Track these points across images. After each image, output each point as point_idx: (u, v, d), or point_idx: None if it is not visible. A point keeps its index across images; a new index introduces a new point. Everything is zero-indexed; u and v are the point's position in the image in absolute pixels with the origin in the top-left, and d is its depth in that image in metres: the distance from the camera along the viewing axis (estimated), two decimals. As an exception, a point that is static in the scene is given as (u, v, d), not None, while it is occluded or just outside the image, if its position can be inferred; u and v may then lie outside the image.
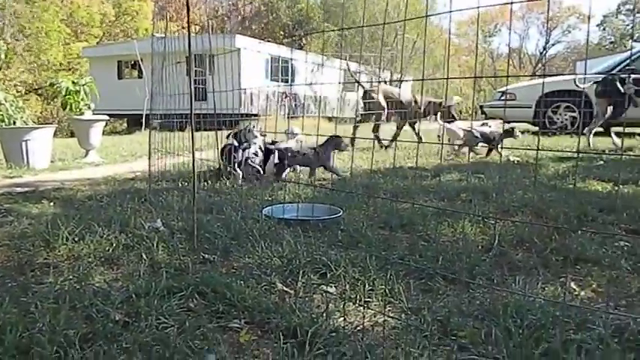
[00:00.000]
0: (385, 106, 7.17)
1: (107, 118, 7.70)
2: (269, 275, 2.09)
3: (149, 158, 4.21)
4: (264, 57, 19.80)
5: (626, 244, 2.52)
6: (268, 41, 21.08)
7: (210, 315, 1.74)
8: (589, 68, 12.08)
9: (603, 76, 8.18)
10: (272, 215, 3.04)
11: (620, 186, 4.03)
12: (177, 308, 1.76)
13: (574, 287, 2.05)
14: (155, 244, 2.45)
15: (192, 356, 1.45)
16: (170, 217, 3.07)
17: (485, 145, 6.21)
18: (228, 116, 5.58)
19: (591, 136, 7.09)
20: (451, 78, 3.50)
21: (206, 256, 2.35)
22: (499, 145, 6.04)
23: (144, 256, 2.32)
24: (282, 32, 32.15)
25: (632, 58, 9.29)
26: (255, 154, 4.76)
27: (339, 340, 1.54)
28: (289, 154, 4.64)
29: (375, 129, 7.33)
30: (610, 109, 6.99)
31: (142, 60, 16.51)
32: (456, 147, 6.26)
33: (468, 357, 1.47)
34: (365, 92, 7.38)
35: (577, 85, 7.88)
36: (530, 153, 5.96)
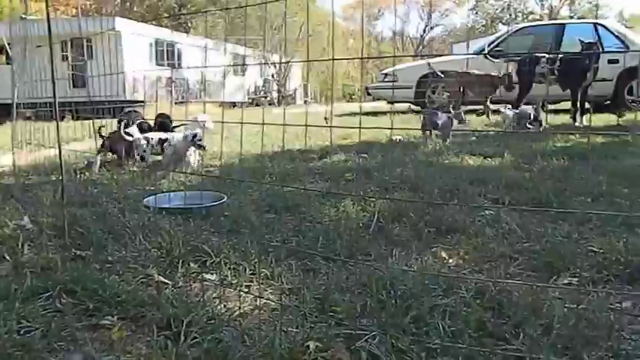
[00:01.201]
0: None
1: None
2: (146, 267, 2.02)
3: (12, 152, 3.88)
4: (148, 40, 18.95)
5: (491, 212, 2.72)
6: (152, 24, 20.12)
7: (79, 314, 1.65)
8: (464, 49, 12.87)
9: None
10: (153, 205, 2.93)
11: (488, 159, 4.36)
12: (43, 310, 1.64)
13: (444, 256, 2.19)
14: (20, 244, 2.27)
15: (55, 359, 1.37)
16: (40, 213, 2.85)
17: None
18: (111, 103, 5.30)
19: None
20: (337, 59, 3.55)
21: (78, 252, 2.21)
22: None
23: (6, 257, 2.14)
24: (166, 14, 30.86)
25: (500, 39, 10.01)
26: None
27: (217, 327, 1.52)
28: (434, 120, 5.69)
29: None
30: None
31: (9, 44, 15.11)
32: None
33: (343, 331, 1.51)
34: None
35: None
36: (411, 132, 6.22)
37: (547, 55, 7.67)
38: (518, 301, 1.67)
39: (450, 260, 2.13)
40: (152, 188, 3.61)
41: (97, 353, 1.40)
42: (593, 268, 1.96)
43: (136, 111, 5.09)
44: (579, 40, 7.24)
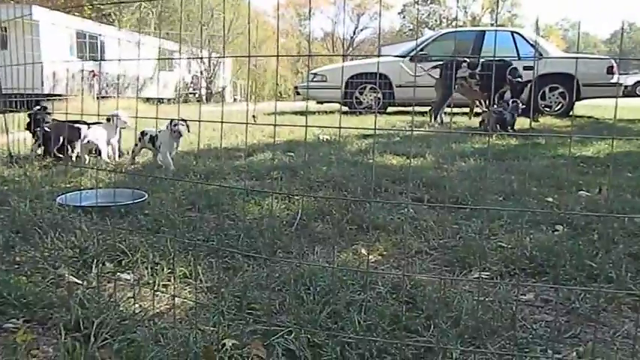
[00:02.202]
0: None
1: None
2: (57, 268, 1.93)
3: None
4: (69, 32, 18.07)
5: (411, 210, 2.81)
6: (74, 14, 19.20)
7: (-20, 318, 1.55)
8: (393, 51, 13.18)
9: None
10: (68, 203, 2.80)
11: (411, 159, 4.50)
12: (-61, 317, 1.54)
13: (364, 252, 2.24)
14: None
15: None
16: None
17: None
18: (26, 97, 4.99)
19: (442, 114, 7.85)
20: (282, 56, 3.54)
21: (-18, 253, 2.08)
22: None
23: None
24: (89, 5, 29.51)
25: (425, 43, 10.34)
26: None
27: (130, 327, 1.48)
28: (499, 114, 6.40)
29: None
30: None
31: None
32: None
33: (261, 327, 1.51)
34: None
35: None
36: (337, 131, 6.31)
37: (467, 60, 8.01)
38: (431, 294, 1.73)
39: (370, 256, 2.19)
40: (69, 186, 3.46)
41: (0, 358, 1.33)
42: (502, 263, 2.07)
43: (45, 107, 4.81)
44: (509, 77, 7.66)
